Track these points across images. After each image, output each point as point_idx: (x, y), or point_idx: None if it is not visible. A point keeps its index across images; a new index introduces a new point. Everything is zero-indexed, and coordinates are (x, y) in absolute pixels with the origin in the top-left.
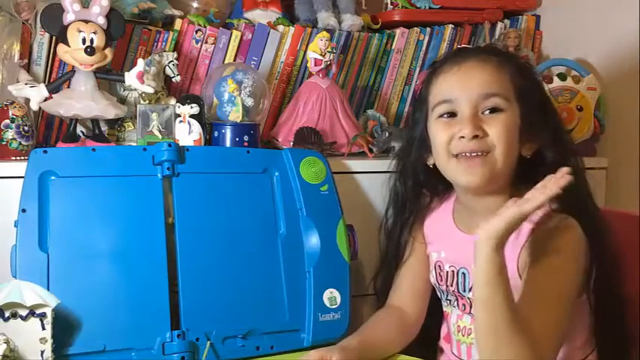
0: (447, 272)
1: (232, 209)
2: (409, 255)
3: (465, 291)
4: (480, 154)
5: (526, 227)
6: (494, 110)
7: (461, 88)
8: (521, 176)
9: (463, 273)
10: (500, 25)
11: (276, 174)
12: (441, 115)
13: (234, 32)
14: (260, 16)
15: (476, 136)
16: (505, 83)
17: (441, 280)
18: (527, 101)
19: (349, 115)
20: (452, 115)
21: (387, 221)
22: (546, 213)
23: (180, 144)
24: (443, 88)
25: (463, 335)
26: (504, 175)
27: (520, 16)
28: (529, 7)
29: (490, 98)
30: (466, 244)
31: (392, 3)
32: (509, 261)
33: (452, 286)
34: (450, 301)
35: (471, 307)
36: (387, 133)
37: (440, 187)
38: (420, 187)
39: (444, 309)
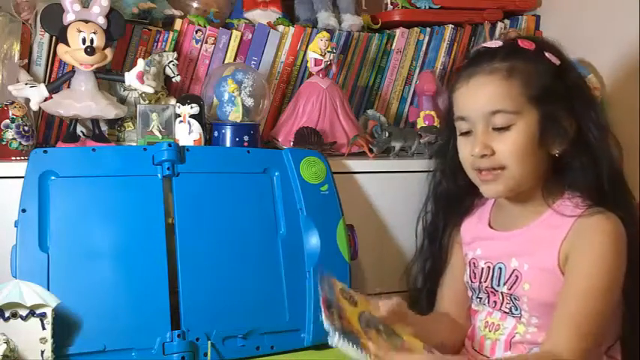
0: (482, 269)
1: (232, 209)
2: (450, 258)
3: (499, 285)
4: (493, 169)
5: (566, 220)
6: (500, 127)
7: (469, 106)
8: (561, 172)
9: (500, 268)
10: (500, 25)
11: (277, 174)
12: (461, 132)
13: (234, 32)
14: (260, 16)
15: (484, 155)
16: (515, 94)
17: (475, 278)
18: (550, 99)
19: (349, 115)
20: (468, 132)
21: (426, 220)
22: (586, 206)
23: (181, 144)
24: (458, 104)
25: (490, 331)
26: (529, 180)
27: (520, 17)
28: (529, 7)
29: (496, 115)
30: (503, 240)
31: (392, 3)
32: (549, 255)
33: (485, 282)
34: (481, 299)
35: (502, 303)
36: (387, 133)
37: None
38: (462, 186)
39: (473, 307)
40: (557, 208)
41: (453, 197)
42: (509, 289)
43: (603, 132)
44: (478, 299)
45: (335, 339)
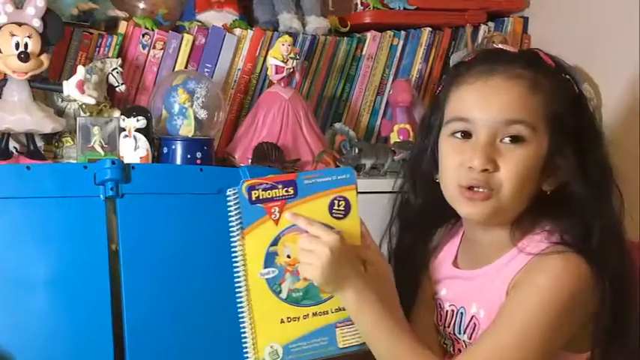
0: (447, 311)
1: (183, 235)
2: (421, 294)
3: (460, 333)
4: (485, 189)
5: (521, 258)
6: (515, 140)
7: (481, 108)
8: (545, 207)
9: (461, 313)
10: (483, 28)
11: None
12: (454, 133)
13: (186, 36)
14: (214, 17)
15: (485, 170)
16: (535, 109)
17: (440, 320)
18: (561, 130)
19: (314, 129)
20: (466, 135)
21: (391, 246)
22: (548, 245)
23: (125, 161)
24: (462, 103)
25: None
26: (513, 211)
27: (506, 18)
28: (516, 8)
29: (512, 125)
30: (465, 281)
31: (362, 3)
32: (498, 293)
33: (449, 327)
34: (447, 345)
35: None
36: (356, 150)
37: (451, 212)
38: (436, 207)
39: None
40: (522, 244)
41: (423, 221)
42: (470, 339)
43: (604, 184)
44: (445, 345)
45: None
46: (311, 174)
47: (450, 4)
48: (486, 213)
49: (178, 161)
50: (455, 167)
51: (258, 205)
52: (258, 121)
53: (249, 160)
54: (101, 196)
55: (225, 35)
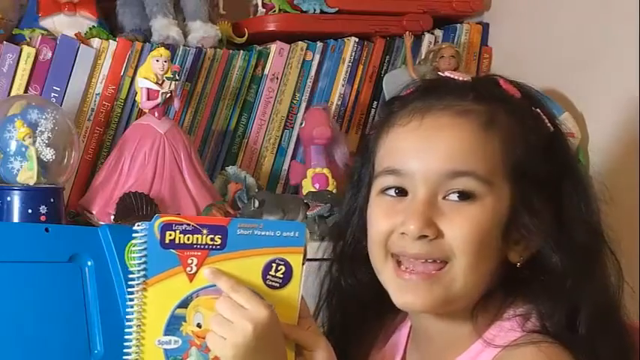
0: None
1: (23, 317)
2: None
3: None
4: (430, 261)
5: (488, 353)
6: (463, 196)
7: (418, 157)
8: (509, 283)
9: None
10: (428, 37)
11: (90, 263)
12: (385, 190)
13: (26, 48)
14: (64, 24)
15: (424, 236)
16: (490, 154)
17: None
18: (529, 180)
19: (200, 175)
20: (401, 192)
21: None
22: (522, 334)
23: None
24: (393, 150)
25: None
26: (469, 295)
27: (459, 25)
28: (471, 11)
29: (459, 178)
30: None
31: (264, 5)
32: None
33: None
34: None
35: None
36: (256, 202)
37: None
38: (372, 292)
39: None
40: (489, 335)
41: (356, 306)
42: None
43: (591, 251)
44: None
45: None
46: (249, 222)
47: (383, 5)
48: (431, 300)
49: (15, 218)
50: (384, 233)
51: (172, 250)
52: (124, 163)
53: (112, 217)
54: None
55: (79, 47)
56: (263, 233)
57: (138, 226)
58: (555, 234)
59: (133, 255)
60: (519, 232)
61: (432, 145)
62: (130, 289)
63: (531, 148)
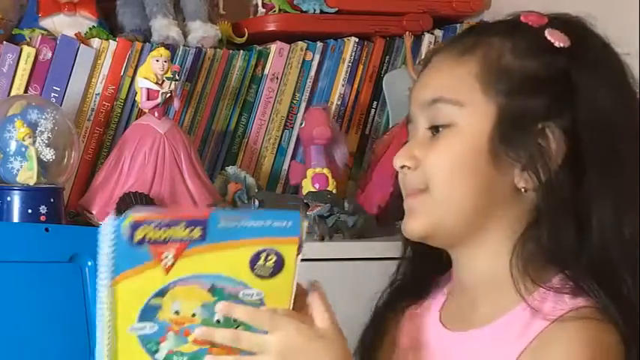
0: None
1: (23, 316)
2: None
3: None
4: (415, 190)
5: (539, 323)
6: (437, 124)
7: (413, 94)
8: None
9: None
10: (428, 37)
11: (89, 263)
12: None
13: (26, 48)
14: (64, 24)
15: (407, 167)
16: (463, 75)
17: None
18: (523, 91)
19: (199, 175)
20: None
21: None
22: (572, 306)
23: None
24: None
25: None
26: (465, 223)
27: (459, 25)
28: (471, 11)
29: (432, 106)
30: (455, 345)
31: (264, 5)
32: (506, 358)
33: None
34: None
35: None
36: (256, 202)
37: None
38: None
39: None
40: (534, 300)
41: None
42: None
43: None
44: None
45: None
46: (233, 214)
47: (383, 5)
48: (417, 226)
49: (15, 218)
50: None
51: (143, 247)
52: (124, 163)
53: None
54: None
55: (79, 48)
56: (250, 224)
57: (104, 223)
58: (571, 163)
59: (99, 251)
60: (519, 151)
61: (420, 83)
62: (98, 285)
63: (526, 59)
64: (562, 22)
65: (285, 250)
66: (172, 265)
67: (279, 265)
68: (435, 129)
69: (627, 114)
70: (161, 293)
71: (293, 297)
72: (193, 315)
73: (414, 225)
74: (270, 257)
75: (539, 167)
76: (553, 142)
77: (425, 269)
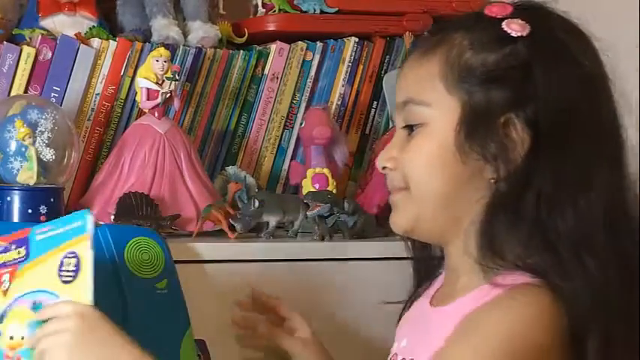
0: None
1: None
2: None
3: None
4: (396, 189)
5: (484, 296)
6: (409, 125)
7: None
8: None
9: None
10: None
11: None
12: None
13: (26, 48)
14: (64, 24)
15: (386, 168)
16: (427, 74)
17: None
18: (482, 83)
19: (200, 175)
20: None
21: None
22: (521, 282)
23: None
24: None
25: None
26: (448, 214)
27: None
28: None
29: (404, 109)
30: (428, 323)
31: (264, 5)
32: (440, 337)
33: None
34: None
35: None
36: (256, 202)
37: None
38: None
39: None
40: (499, 279)
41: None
42: None
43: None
44: None
45: None
46: (44, 226)
47: (384, 5)
48: (402, 222)
49: (16, 217)
50: None
51: None
52: (124, 163)
53: (112, 217)
54: None
55: (79, 47)
56: (55, 232)
57: None
58: (534, 152)
59: None
60: (484, 143)
61: (396, 83)
62: None
63: (484, 53)
64: (522, 10)
65: (79, 249)
66: (8, 288)
67: (77, 266)
68: (410, 128)
69: (588, 102)
70: (1, 319)
71: (92, 291)
72: (22, 338)
73: (397, 220)
74: (70, 261)
75: (503, 159)
76: (515, 133)
77: (428, 262)
